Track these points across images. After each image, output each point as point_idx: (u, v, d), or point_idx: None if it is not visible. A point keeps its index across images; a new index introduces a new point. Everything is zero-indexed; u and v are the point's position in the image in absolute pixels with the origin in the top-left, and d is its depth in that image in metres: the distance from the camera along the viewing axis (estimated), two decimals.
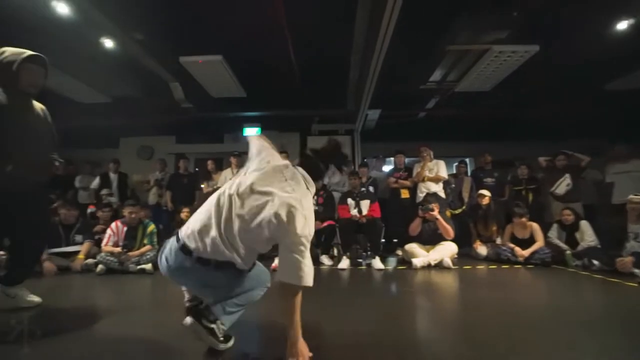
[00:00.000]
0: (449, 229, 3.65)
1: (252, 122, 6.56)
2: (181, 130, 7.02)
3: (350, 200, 4.03)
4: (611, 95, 5.30)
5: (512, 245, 3.73)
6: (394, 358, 1.35)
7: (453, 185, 4.91)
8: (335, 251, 4.21)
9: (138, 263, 3.31)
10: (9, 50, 1.92)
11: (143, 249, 3.45)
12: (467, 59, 4.39)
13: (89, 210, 4.94)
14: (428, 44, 4.10)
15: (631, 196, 3.38)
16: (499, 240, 4.07)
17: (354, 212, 3.93)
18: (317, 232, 4.04)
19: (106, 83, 5.03)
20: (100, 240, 3.57)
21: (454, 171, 5.74)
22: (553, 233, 3.84)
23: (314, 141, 6.70)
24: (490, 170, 5.07)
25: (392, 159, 6.82)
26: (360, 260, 3.84)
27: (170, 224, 4.60)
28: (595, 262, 3.30)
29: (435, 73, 4.93)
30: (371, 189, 4.74)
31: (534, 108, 5.97)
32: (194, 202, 4.95)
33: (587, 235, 3.59)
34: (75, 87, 4.94)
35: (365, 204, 4.00)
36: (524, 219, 3.77)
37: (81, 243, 3.59)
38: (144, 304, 2.46)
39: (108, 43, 3.83)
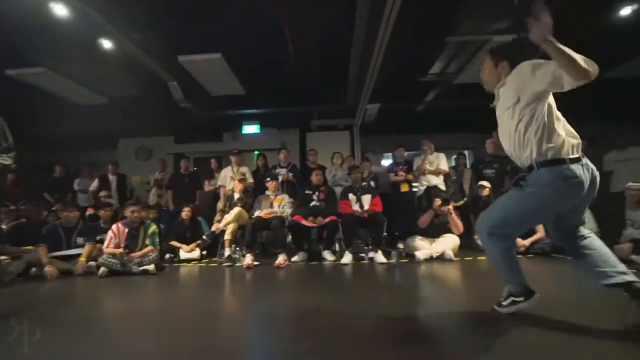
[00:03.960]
0: (459, 224, 3.68)
1: (251, 119, 6.55)
2: (180, 130, 7.01)
3: (351, 195, 4.02)
4: (610, 83, 5.27)
5: None
6: (396, 346, 1.35)
7: (454, 178, 4.91)
8: (337, 246, 4.20)
9: (140, 264, 3.31)
10: None
11: (145, 250, 3.44)
12: (467, 50, 4.35)
13: (87, 213, 4.93)
14: (428, 36, 4.06)
15: (630, 183, 3.43)
16: None
17: (356, 207, 3.92)
18: (320, 229, 4.04)
19: (104, 84, 4.99)
20: (102, 242, 3.56)
21: (453, 164, 5.73)
22: None
23: (313, 138, 6.68)
24: (490, 162, 5.05)
25: (389, 153, 6.83)
26: (363, 254, 3.84)
27: (171, 224, 4.60)
28: None
29: (435, 65, 4.90)
30: (372, 183, 4.74)
31: None
32: (195, 201, 4.94)
33: (589, 224, 3.59)
34: (73, 89, 4.89)
35: (366, 199, 4.00)
36: None
37: (83, 245, 3.59)
38: (147, 306, 2.45)
39: (106, 44, 3.79)
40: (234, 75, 4.68)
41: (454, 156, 5.38)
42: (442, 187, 4.37)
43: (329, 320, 1.75)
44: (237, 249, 3.89)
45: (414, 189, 4.70)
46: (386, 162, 6.09)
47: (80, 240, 3.65)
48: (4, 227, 3.85)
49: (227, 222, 3.74)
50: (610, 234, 3.32)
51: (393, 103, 6.31)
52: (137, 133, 6.93)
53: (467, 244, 4.05)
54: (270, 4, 3.37)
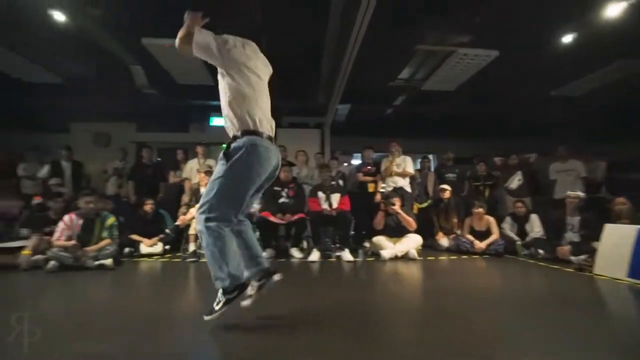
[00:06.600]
0: (410, 221, 3.85)
1: (220, 111, 6.32)
2: (142, 117, 6.60)
3: (320, 194, 4.06)
4: (555, 100, 5.83)
5: (471, 238, 3.99)
6: (359, 341, 1.41)
7: (419, 180, 5.14)
8: (305, 244, 4.24)
9: (96, 258, 3.10)
10: None
11: (102, 243, 3.23)
12: (434, 59, 4.56)
13: (34, 202, 4.50)
14: (399, 42, 4.20)
15: (569, 192, 3.87)
16: (459, 232, 4.34)
17: (325, 205, 3.97)
18: (288, 225, 4.04)
19: (57, 62, 4.55)
20: (51, 234, 3.28)
21: (418, 167, 6.00)
22: (506, 225, 4.17)
23: (283, 134, 6.63)
24: (452, 167, 5.36)
25: (359, 153, 6.98)
26: (330, 252, 3.91)
27: (132, 217, 4.34)
28: (541, 251, 3.65)
29: (404, 71, 5.08)
30: (340, 182, 4.82)
31: (491, 109, 6.38)
32: (158, 194, 4.71)
33: (536, 227, 3.95)
34: (20, 65, 4.42)
35: (335, 198, 4.06)
36: (481, 212, 4.06)
37: (27, 237, 3.28)
38: (100, 304, 2.30)
39: (58, 16, 3.46)
40: (203, 65, 4.50)
41: (419, 159, 5.62)
42: (408, 189, 4.56)
43: (289, 318, 1.77)
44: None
45: (381, 190, 4.85)
46: (355, 162, 6.23)
47: (24, 231, 3.34)
48: None
49: (192, 216, 3.62)
50: (553, 237, 3.70)
51: (363, 105, 6.47)
52: (94, 118, 6.42)
53: (429, 245, 4.28)
54: None
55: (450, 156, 5.42)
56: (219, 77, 1.68)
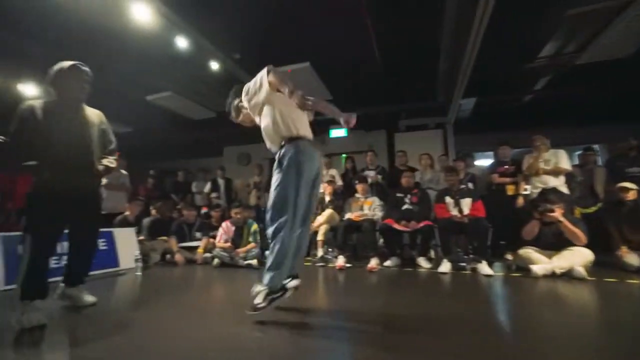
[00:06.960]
0: (578, 234, 3.00)
1: (338, 123, 6.64)
2: None
3: (448, 199, 3.70)
4: None
5: None
6: None
7: (580, 179, 4.07)
8: (433, 253, 3.92)
9: (245, 259, 3.68)
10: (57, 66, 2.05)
11: (248, 246, 3.82)
12: (595, 21, 3.57)
13: (203, 211, 5.73)
14: (539, 12, 3.49)
15: None
16: None
17: (454, 211, 3.59)
18: (413, 233, 3.83)
19: (212, 101, 5.76)
20: (215, 237, 4.10)
21: (577, 161, 4.76)
22: None
23: (401, 138, 6.43)
24: (636, 158, 4.02)
25: (487, 152, 6.08)
26: (463, 264, 3.48)
27: None
28: None
29: (547, 46, 4.18)
30: (470, 185, 4.29)
31: None
32: None
33: None
34: (189, 107, 5.79)
35: (466, 203, 3.62)
36: None
37: (200, 239, 4.19)
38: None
39: (214, 66, 4.35)
40: (321, 82, 4.84)
41: (579, 153, 4.45)
42: (564, 189, 3.66)
43: (419, 334, 1.64)
44: (329, 249, 3.97)
45: (524, 192, 4.06)
46: (479, 162, 5.45)
47: (198, 234, 4.29)
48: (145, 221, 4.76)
49: (319, 223, 3.87)
50: None
51: (493, 96, 5.64)
52: (239, 141, 7.78)
53: (607, 262, 3.27)
54: (354, 5, 3.36)
55: (633, 144, 4.07)
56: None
